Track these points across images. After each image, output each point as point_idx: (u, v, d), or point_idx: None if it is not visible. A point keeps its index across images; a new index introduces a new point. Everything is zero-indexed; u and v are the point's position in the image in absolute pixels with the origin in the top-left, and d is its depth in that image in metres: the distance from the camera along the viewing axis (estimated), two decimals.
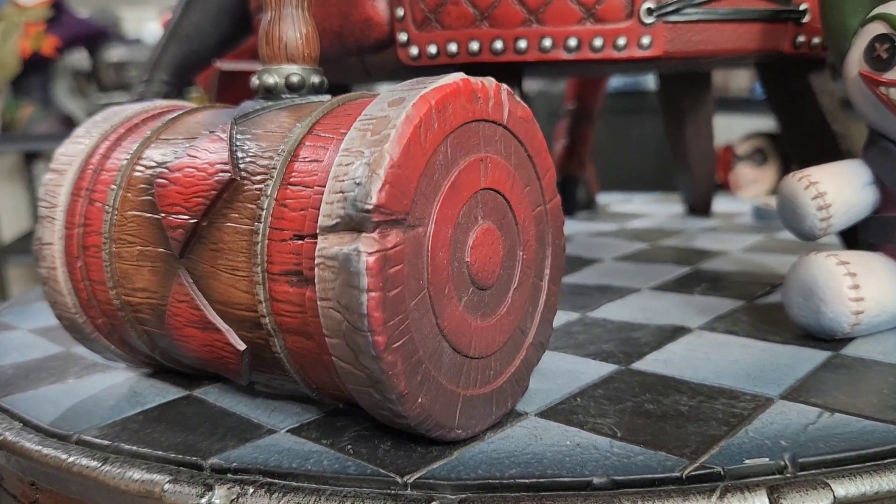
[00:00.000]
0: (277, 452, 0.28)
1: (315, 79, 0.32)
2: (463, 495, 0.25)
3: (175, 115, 0.33)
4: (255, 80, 0.32)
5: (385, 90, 0.27)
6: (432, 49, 0.41)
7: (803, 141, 0.48)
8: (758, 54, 0.40)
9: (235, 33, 0.58)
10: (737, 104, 1.48)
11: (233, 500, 0.25)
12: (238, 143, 0.28)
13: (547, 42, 0.39)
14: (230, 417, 0.31)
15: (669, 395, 0.31)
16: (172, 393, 0.34)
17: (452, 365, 0.26)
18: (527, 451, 0.27)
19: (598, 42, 0.38)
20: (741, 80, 1.51)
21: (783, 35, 0.40)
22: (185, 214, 0.28)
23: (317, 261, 0.24)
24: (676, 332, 0.39)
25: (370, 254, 0.23)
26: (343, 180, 0.24)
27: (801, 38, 0.41)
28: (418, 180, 0.24)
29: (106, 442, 0.30)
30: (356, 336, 0.23)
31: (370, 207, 0.23)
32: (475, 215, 0.27)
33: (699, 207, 0.74)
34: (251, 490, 0.25)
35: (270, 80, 0.31)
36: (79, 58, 1.74)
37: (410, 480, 0.25)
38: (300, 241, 0.25)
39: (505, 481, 0.25)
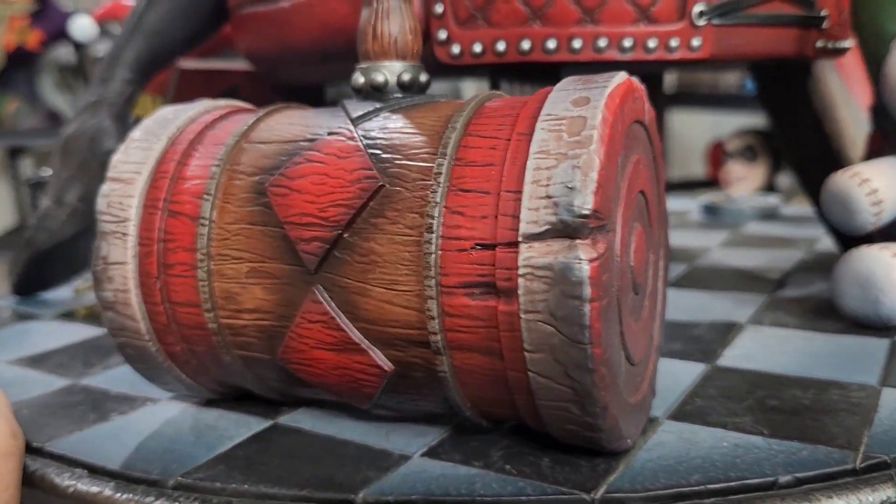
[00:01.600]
0: (432, 479, 0.26)
1: (423, 77, 0.30)
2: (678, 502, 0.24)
3: (254, 116, 0.30)
4: (359, 78, 0.29)
5: (546, 89, 0.26)
6: (477, 48, 0.40)
7: (796, 140, 0.51)
8: (787, 57, 0.42)
9: (206, 27, 0.53)
10: (727, 100, 1.49)
11: None
12: (371, 147, 0.26)
13: (602, 42, 0.38)
14: (346, 445, 0.29)
15: (781, 390, 0.32)
16: (255, 423, 0.31)
17: (625, 373, 0.26)
18: (692, 456, 0.27)
19: (652, 43, 0.39)
20: (731, 77, 1.52)
21: (808, 39, 0.42)
22: (321, 226, 0.26)
23: (521, 271, 0.22)
24: (731, 327, 0.40)
25: (590, 261, 0.22)
26: (548, 185, 0.22)
27: (821, 43, 0.43)
28: (614, 183, 0.23)
29: (217, 484, 0.26)
30: (572, 349, 0.22)
31: (587, 213, 0.22)
32: (634, 217, 0.26)
33: None
34: None
35: (380, 77, 0.29)
36: (65, 52, 1.58)
37: (597, 496, 0.24)
38: (488, 251, 0.23)
39: (695, 488, 0.25)
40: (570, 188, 0.22)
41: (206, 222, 0.28)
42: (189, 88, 0.58)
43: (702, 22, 0.38)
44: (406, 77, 0.29)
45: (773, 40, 0.41)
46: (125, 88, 0.52)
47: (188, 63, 0.58)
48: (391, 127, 0.27)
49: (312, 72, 0.50)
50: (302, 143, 0.28)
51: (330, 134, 0.27)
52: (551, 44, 0.39)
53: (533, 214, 0.22)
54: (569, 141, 0.23)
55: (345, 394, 0.28)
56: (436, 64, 0.42)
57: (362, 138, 0.26)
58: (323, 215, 0.26)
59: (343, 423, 0.31)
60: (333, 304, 0.26)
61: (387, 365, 0.26)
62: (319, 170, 0.26)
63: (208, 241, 0.28)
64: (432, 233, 0.24)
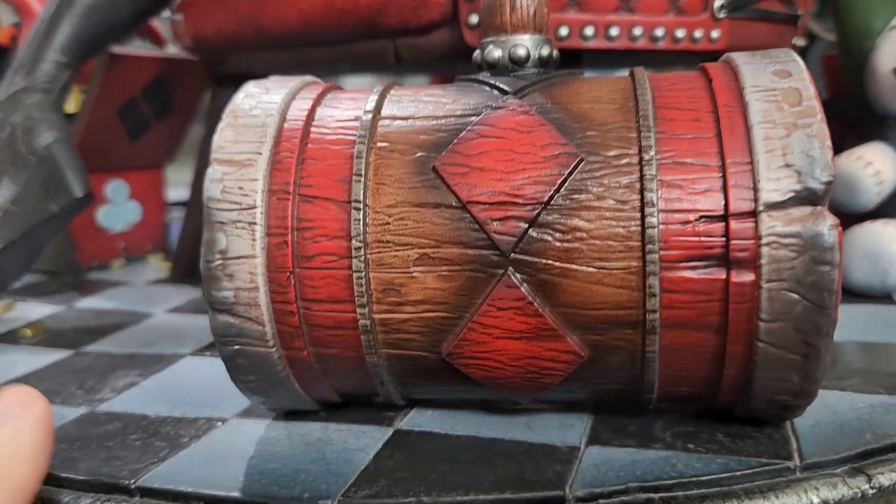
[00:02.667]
0: (626, 466, 0.25)
1: (556, 51, 0.29)
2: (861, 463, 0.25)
3: (371, 93, 0.28)
4: (493, 52, 0.28)
5: (703, 64, 0.26)
6: None
7: None
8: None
9: (154, 5, 0.47)
10: None
11: None
12: (553, 120, 0.25)
13: (637, 31, 0.39)
14: (499, 443, 0.27)
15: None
16: (374, 432, 0.28)
17: None
18: (842, 421, 0.28)
19: (680, 33, 0.40)
20: None
21: (788, 36, 0.46)
22: (515, 204, 0.24)
23: (765, 240, 0.22)
24: None
25: (835, 227, 0.22)
26: (787, 154, 0.22)
27: (795, 40, 0.47)
28: None
29: (401, 499, 0.24)
30: (817, 316, 0.22)
31: (829, 179, 0.22)
32: None
33: None
34: None
35: (521, 51, 0.27)
36: None
37: (799, 464, 0.25)
38: (716, 223, 0.23)
39: (874, 446, 0.26)
40: (811, 156, 0.22)
41: (361, 206, 0.25)
42: (119, 76, 0.51)
43: (722, 14, 0.40)
44: (545, 51, 0.28)
45: (767, 35, 0.44)
46: (59, 73, 0.45)
47: (119, 47, 0.51)
48: (562, 100, 0.25)
49: (275, 59, 0.46)
50: (465, 119, 0.25)
51: (496, 108, 0.25)
52: (589, 31, 0.39)
53: (774, 184, 0.22)
54: (792, 111, 0.23)
55: (515, 388, 0.26)
56: (452, 48, 0.41)
57: (539, 112, 0.25)
58: (517, 193, 0.24)
59: (469, 421, 0.28)
60: (529, 289, 0.24)
61: (582, 350, 0.24)
62: (502, 145, 0.24)
63: (364, 227, 0.25)
64: (653, 206, 0.23)
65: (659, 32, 0.39)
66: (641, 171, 0.23)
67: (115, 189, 0.58)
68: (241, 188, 0.25)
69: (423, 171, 0.25)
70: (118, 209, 0.58)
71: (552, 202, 0.24)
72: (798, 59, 0.25)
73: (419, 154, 0.25)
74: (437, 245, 0.24)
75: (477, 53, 0.29)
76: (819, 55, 0.52)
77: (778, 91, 0.23)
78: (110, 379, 0.35)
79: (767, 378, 0.24)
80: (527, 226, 0.24)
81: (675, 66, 0.48)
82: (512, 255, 0.24)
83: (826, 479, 0.24)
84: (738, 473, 0.24)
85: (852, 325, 0.38)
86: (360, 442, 0.27)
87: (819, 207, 0.22)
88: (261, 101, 0.27)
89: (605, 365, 0.25)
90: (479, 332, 0.24)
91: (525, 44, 0.27)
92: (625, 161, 0.24)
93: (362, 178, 0.25)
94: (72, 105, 0.52)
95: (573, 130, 0.24)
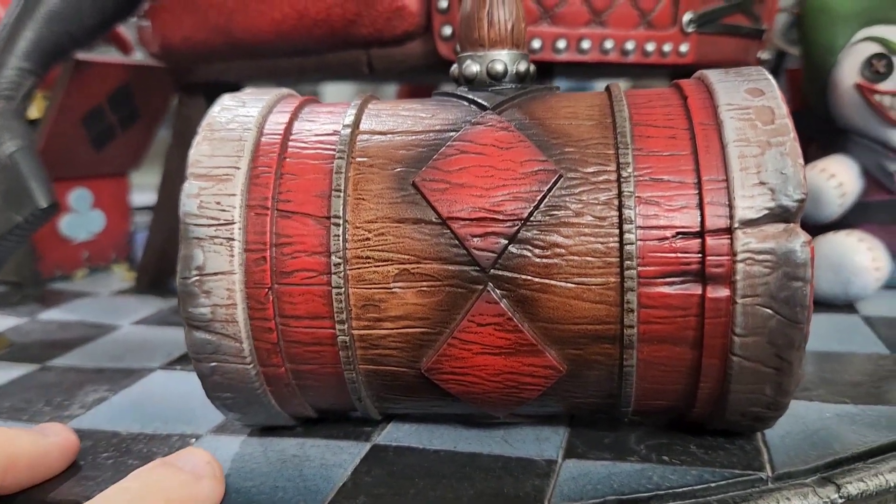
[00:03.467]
0: (603, 479, 0.25)
1: (532, 66, 0.29)
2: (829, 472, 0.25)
3: (349, 107, 0.27)
4: (471, 66, 0.28)
5: (679, 81, 0.26)
6: None
7: None
8: (741, 64, 0.46)
9: (120, 11, 0.47)
10: None
11: None
12: (532, 136, 0.25)
13: (608, 44, 0.40)
14: (478, 458, 0.27)
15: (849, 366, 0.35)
16: (351, 447, 0.28)
17: None
18: (812, 430, 0.28)
19: (650, 47, 0.40)
20: None
21: (753, 50, 0.47)
22: (495, 221, 0.24)
23: (740, 256, 0.23)
24: None
25: (808, 243, 0.23)
26: (760, 172, 0.23)
27: (760, 53, 0.48)
28: None
29: None
30: (790, 330, 0.23)
31: (802, 197, 0.23)
32: None
33: None
34: None
35: (499, 66, 0.27)
36: None
37: (772, 474, 0.25)
38: (693, 239, 0.23)
39: (842, 456, 0.26)
40: (784, 174, 0.23)
41: (341, 221, 0.24)
42: (84, 83, 0.50)
43: (690, 29, 0.41)
44: (522, 66, 0.28)
45: (734, 49, 0.45)
46: (22, 80, 0.44)
47: (83, 54, 0.50)
48: (540, 116, 0.26)
49: (245, 68, 0.46)
50: (444, 134, 0.25)
51: (475, 124, 0.25)
52: (561, 44, 0.39)
53: (748, 201, 0.23)
54: (766, 129, 0.23)
55: (493, 402, 0.26)
56: (426, 59, 0.41)
57: (518, 128, 0.25)
58: (497, 209, 0.24)
59: (446, 435, 0.29)
60: (509, 304, 0.24)
61: (561, 365, 0.25)
62: (482, 161, 0.24)
63: (343, 242, 0.24)
64: (631, 223, 0.23)
65: (629, 46, 0.40)
66: (619, 187, 0.24)
67: (79, 197, 0.57)
68: (218, 203, 0.25)
69: (402, 186, 0.25)
70: (82, 218, 0.57)
71: (532, 218, 0.24)
72: (770, 77, 0.25)
73: (399, 169, 0.25)
74: (417, 261, 0.24)
75: (454, 68, 0.29)
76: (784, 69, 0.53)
77: (751, 109, 0.24)
78: (79, 395, 0.35)
79: (741, 391, 0.24)
80: (507, 242, 0.24)
81: (644, 79, 0.48)
82: (492, 270, 0.24)
83: (797, 489, 0.25)
84: (713, 485, 0.25)
85: (816, 334, 0.39)
86: (338, 458, 0.27)
87: (792, 224, 0.23)
88: (237, 114, 0.27)
89: (583, 379, 0.25)
90: (458, 348, 0.25)
91: (503, 59, 0.28)
92: (602, 178, 0.24)
93: (342, 194, 0.25)
94: (34, 111, 0.51)
95: (552, 147, 0.25)
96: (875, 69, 0.41)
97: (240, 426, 0.30)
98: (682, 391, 0.25)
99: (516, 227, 0.24)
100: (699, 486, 0.24)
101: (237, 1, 0.42)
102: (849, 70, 0.42)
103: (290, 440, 0.29)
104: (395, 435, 0.29)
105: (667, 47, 0.41)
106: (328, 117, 0.27)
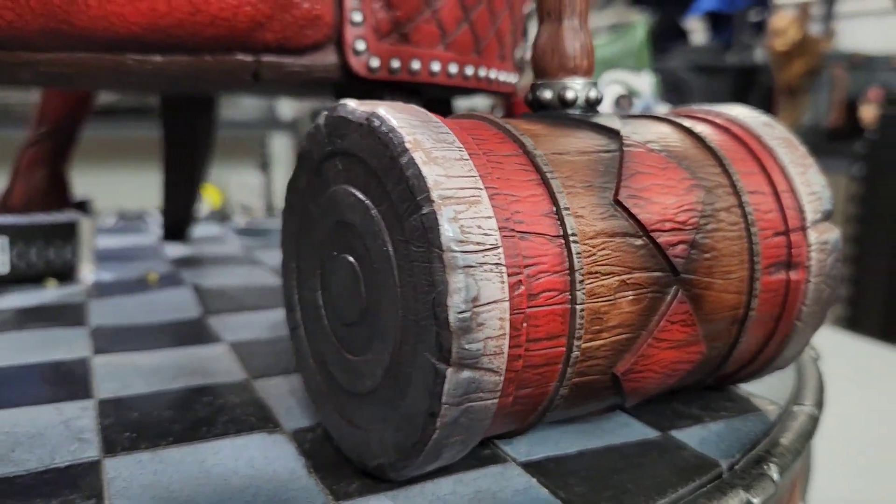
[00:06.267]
0: (738, 432, 0.31)
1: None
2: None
3: (500, 125, 0.27)
4: (545, 93, 0.30)
5: (701, 109, 0.33)
6: (395, 63, 0.39)
7: None
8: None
9: None
10: None
11: None
12: (669, 157, 0.29)
13: (482, 72, 0.43)
14: (612, 451, 0.30)
15: None
16: (509, 472, 0.28)
17: None
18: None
19: (504, 77, 0.45)
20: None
21: None
22: (682, 230, 0.27)
23: (813, 247, 0.31)
24: None
25: (840, 235, 0.32)
26: (811, 185, 0.31)
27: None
28: None
29: None
30: (832, 297, 0.32)
31: (833, 202, 0.32)
32: None
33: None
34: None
35: (571, 94, 0.30)
36: None
37: (783, 404, 0.34)
38: (782, 237, 0.30)
39: None
40: (823, 186, 0.32)
41: (576, 239, 0.25)
42: None
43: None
44: (593, 94, 0.31)
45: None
46: None
47: None
48: (655, 139, 0.30)
49: (77, 63, 0.36)
50: (607, 154, 0.27)
51: (628, 146, 0.28)
52: (469, 70, 0.42)
53: (811, 206, 0.31)
54: (798, 154, 0.32)
55: (644, 393, 0.29)
56: (325, 72, 0.39)
57: (656, 150, 0.29)
58: (679, 220, 0.27)
59: (563, 439, 0.30)
60: (690, 302, 0.28)
61: (704, 350, 0.29)
62: (654, 179, 0.27)
63: (579, 259, 0.25)
64: (754, 226, 0.29)
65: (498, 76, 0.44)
66: (739, 198, 0.30)
67: None
68: (479, 227, 0.23)
69: (604, 202, 0.26)
70: None
71: (699, 226, 0.28)
72: (765, 113, 0.34)
73: (593, 185, 0.26)
74: (630, 271, 0.26)
75: (543, 91, 0.30)
76: None
77: (781, 139, 0.32)
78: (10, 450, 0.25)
79: (791, 349, 0.32)
80: (689, 247, 0.27)
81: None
82: (680, 274, 0.27)
83: (798, 415, 0.34)
84: (773, 420, 0.32)
85: None
86: (511, 484, 0.27)
87: (830, 222, 0.32)
88: (435, 132, 0.24)
89: (707, 359, 0.30)
90: (653, 346, 0.27)
91: (595, 87, 0.31)
92: (722, 190, 0.29)
93: (570, 212, 0.25)
94: None
95: (686, 167, 0.29)
96: (622, 106, 0.53)
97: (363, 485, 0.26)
98: (751, 358, 0.32)
99: (693, 235, 0.28)
100: (774, 427, 0.32)
101: None
102: (603, 105, 0.54)
103: (445, 480, 0.27)
104: (523, 450, 0.29)
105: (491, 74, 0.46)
106: (490, 135, 0.26)
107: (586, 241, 0.25)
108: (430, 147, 0.23)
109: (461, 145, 0.24)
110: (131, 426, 0.31)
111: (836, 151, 1.43)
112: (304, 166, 0.29)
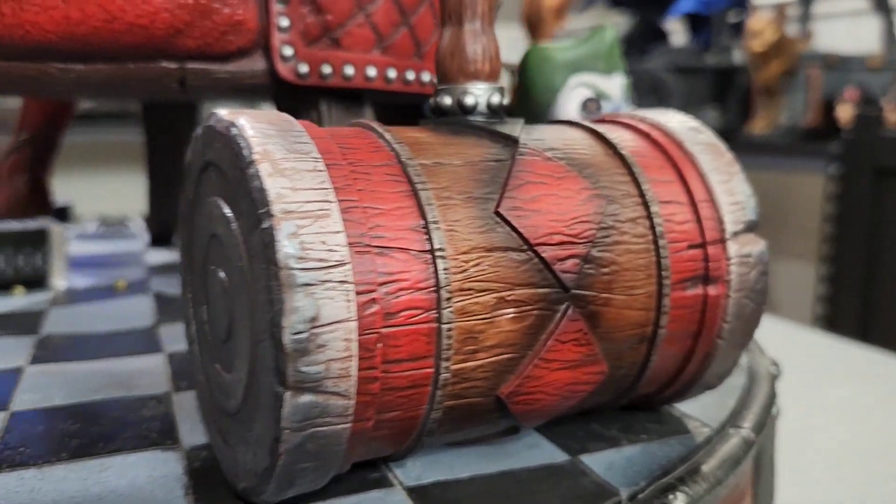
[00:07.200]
0: (620, 469, 0.29)
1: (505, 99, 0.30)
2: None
3: (380, 132, 0.26)
4: (445, 99, 0.28)
5: (612, 115, 0.31)
6: (326, 69, 0.38)
7: None
8: None
9: None
10: None
11: None
12: (570, 165, 0.27)
13: (426, 77, 0.42)
14: (508, 476, 0.28)
15: None
16: (389, 498, 0.26)
17: None
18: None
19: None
20: None
21: None
22: (573, 244, 0.26)
23: (733, 260, 0.29)
24: None
25: (766, 247, 0.30)
26: (734, 194, 0.29)
27: None
28: None
29: None
30: (756, 313, 0.30)
31: (758, 212, 0.30)
32: None
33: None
34: None
35: (496, 99, 0.29)
36: None
37: (716, 425, 0.32)
38: (698, 249, 0.28)
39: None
40: (748, 195, 0.30)
41: (444, 254, 0.23)
42: None
43: None
44: (496, 99, 0.30)
45: None
46: None
47: None
48: (558, 146, 0.28)
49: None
50: (497, 162, 0.26)
51: (521, 154, 0.27)
52: (392, 73, 0.41)
53: (732, 216, 0.29)
54: (724, 161, 0.30)
55: (542, 415, 0.27)
56: (254, 79, 0.38)
57: (557, 158, 0.27)
58: (571, 233, 0.26)
59: (458, 461, 0.29)
60: (584, 320, 0.26)
61: (607, 369, 0.28)
62: (546, 189, 0.26)
63: (447, 276, 0.23)
64: (663, 239, 0.28)
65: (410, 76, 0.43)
66: (647, 209, 0.28)
67: None
68: (323, 242, 0.21)
69: (484, 215, 0.25)
70: None
71: (595, 239, 0.26)
72: (693, 118, 0.32)
73: (474, 196, 0.25)
74: (511, 287, 0.25)
75: (444, 98, 0.29)
76: None
77: (705, 145, 0.30)
78: None
79: (715, 368, 0.30)
80: (582, 262, 0.26)
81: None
82: (570, 290, 0.26)
83: (731, 437, 0.32)
84: (692, 448, 0.30)
85: None
86: None
87: (754, 233, 0.30)
88: (290, 141, 0.23)
89: (611, 379, 0.28)
90: (541, 367, 0.26)
91: (498, 92, 0.29)
92: (630, 201, 0.28)
93: (438, 225, 0.24)
94: None
95: (588, 175, 0.27)
96: (589, 109, 0.52)
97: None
98: (669, 377, 0.30)
99: (587, 249, 0.26)
100: (698, 452, 0.30)
101: None
102: (569, 108, 0.52)
103: None
104: (414, 473, 0.28)
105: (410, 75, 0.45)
106: (366, 144, 0.25)
107: (458, 256, 0.24)
108: (281, 158, 0.22)
109: (318, 156, 0.23)
110: (31, 441, 0.31)
111: (814, 151, 1.45)
112: (189, 177, 0.28)
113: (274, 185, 0.22)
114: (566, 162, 0.27)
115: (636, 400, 0.32)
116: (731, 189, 0.29)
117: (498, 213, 0.25)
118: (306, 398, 0.21)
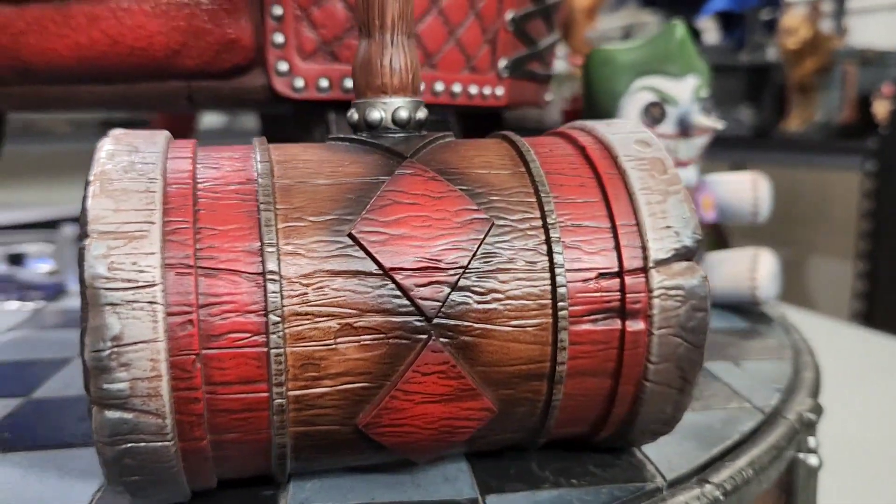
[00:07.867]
0: (564, 502, 0.26)
1: (423, 113, 0.29)
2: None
3: (252, 152, 0.26)
4: (375, 114, 0.27)
5: (557, 129, 0.29)
6: (324, 83, 0.39)
7: None
8: (534, 105, 0.50)
9: None
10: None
11: None
12: (457, 184, 0.25)
13: (439, 86, 0.41)
14: None
15: None
16: None
17: None
18: (690, 431, 0.32)
19: (473, 89, 0.43)
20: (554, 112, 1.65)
21: (544, 92, 0.51)
22: (438, 270, 0.24)
23: (656, 293, 0.25)
24: None
25: (706, 278, 0.26)
26: (666, 217, 0.26)
27: (546, 95, 0.52)
28: None
29: None
30: (694, 354, 0.26)
31: (699, 238, 0.26)
32: None
33: None
34: None
35: (403, 113, 0.28)
36: None
37: (666, 482, 0.28)
38: (613, 279, 0.25)
39: (714, 457, 0.30)
40: (685, 218, 0.26)
41: (277, 277, 0.23)
42: None
43: (505, 74, 0.44)
44: (422, 113, 0.28)
45: (533, 92, 0.49)
46: None
47: None
48: (458, 164, 0.26)
49: (36, 94, 0.41)
50: (370, 183, 0.25)
51: (402, 174, 0.25)
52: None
53: (659, 243, 0.25)
54: (663, 179, 0.26)
55: (423, 450, 0.26)
56: (255, 94, 0.39)
57: (445, 177, 0.25)
58: (438, 258, 0.24)
59: (355, 487, 0.28)
60: (452, 351, 0.24)
61: (494, 406, 0.25)
62: (416, 210, 0.24)
63: (281, 300, 0.23)
64: (561, 266, 0.25)
65: (456, 88, 0.42)
66: (547, 233, 0.25)
67: None
68: (134, 263, 0.22)
69: (336, 237, 0.24)
70: None
71: (470, 266, 0.24)
72: (647, 129, 0.29)
73: (329, 219, 0.24)
74: (359, 314, 0.24)
75: (352, 113, 0.28)
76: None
77: (646, 161, 0.27)
78: None
79: (649, 412, 0.27)
80: (449, 290, 0.24)
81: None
82: (435, 319, 0.24)
83: (687, 492, 0.28)
84: (625, 500, 0.27)
85: None
86: None
87: (692, 262, 0.26)
88: (134, 161, 0.24)
89: (509, 417, 0.26)
90: (401, 399, 0.24)
91: (406, 106, 0.28)
92: (528, 225, 0.25)
93: (275, 247, 0.23)
94: None
95: (478, 195, 0.25)
96: (652, 115, 0.47)
97: None
98: (596, 418, 0.27)
99: (457, 276, 0.24)
100: None
101: (30, 21, 0.37)
102: (630, 115, 0.48)
103: None
104: (302, 496, 0.27)
105: (487, 90, 0.43)
106: (233, 163, 0.25)
107: (297, 280, 0.23)
108: (115, 178, 0.23)
109: (156, 176, 0.23)
110: None
111: (849, 148, 1.40)
112: None
113: (95, 206, 0.22)
114: (457, 181, 0.26)
115: (577, 439, 0.29)
116: (665, 211, 0.26)
117: (351, 236, 0.24)
118: (114, 414, 0.22)
